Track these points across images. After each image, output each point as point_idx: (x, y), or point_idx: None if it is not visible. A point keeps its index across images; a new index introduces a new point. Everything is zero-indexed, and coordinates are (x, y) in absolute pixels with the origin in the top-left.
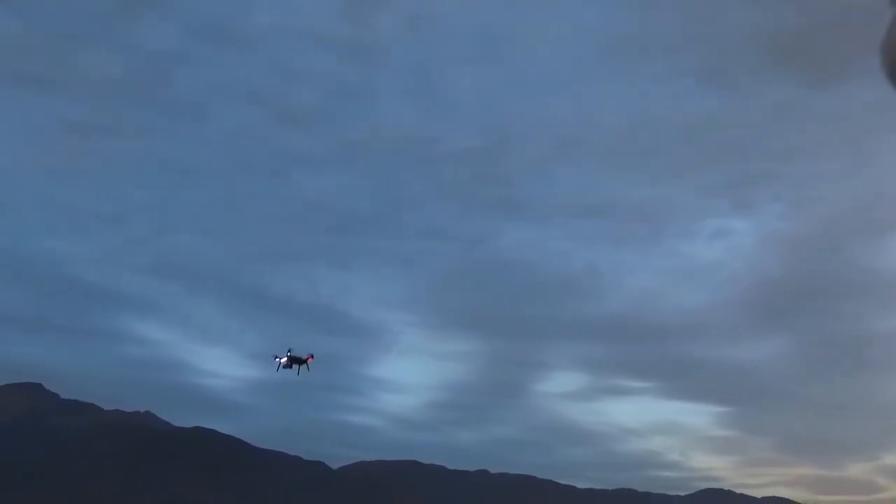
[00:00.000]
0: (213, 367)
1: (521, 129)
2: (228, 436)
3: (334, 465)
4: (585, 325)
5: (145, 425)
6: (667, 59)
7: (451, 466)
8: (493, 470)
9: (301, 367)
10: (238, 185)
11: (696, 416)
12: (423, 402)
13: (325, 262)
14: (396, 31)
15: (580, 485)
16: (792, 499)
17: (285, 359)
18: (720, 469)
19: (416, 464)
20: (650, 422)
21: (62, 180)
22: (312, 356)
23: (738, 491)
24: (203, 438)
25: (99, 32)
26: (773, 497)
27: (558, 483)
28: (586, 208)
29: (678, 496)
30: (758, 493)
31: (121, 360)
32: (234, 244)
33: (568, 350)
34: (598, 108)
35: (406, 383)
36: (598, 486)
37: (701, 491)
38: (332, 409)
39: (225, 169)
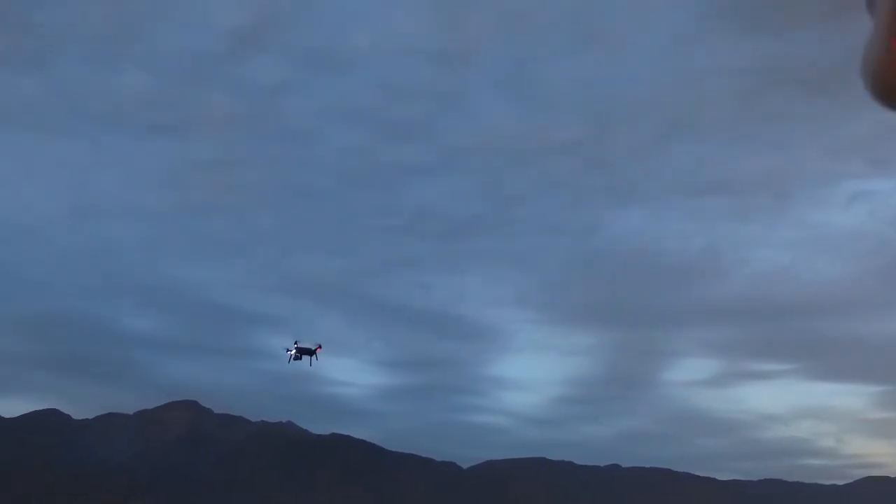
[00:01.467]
0: (344, 377)
1: (625, 114)
2: (362, 441)
3: (464, 465)
4: (711, 308)
5: (288, 433)
6: (779, 12)
7: (580, 462)
8: (625, 464)
9: (311, 357)
10: (351, 201)
11: (850, 397)
12: (548, 399)
13: (438, 267)
14: (488, 32)
15: (721, 476)
16: None
17: (294, 350)
18: (882, 455)
19: (544, 461)
20: (795, 406)
21: (197, 214)
22: (321, 346)
23: None
24: (339, 444)
25: (216, 75)
26: None
27: (697, 476)
28: (702, 186)
29: (835, 486)
30: None
31: (261, 374)
32: (353, 258)
33: (695, 335)
34: (706, 80)
35: (529, 381)
36: (741, 478)
37: (861, 480)
38: (459, 411)
39: (338, 187)
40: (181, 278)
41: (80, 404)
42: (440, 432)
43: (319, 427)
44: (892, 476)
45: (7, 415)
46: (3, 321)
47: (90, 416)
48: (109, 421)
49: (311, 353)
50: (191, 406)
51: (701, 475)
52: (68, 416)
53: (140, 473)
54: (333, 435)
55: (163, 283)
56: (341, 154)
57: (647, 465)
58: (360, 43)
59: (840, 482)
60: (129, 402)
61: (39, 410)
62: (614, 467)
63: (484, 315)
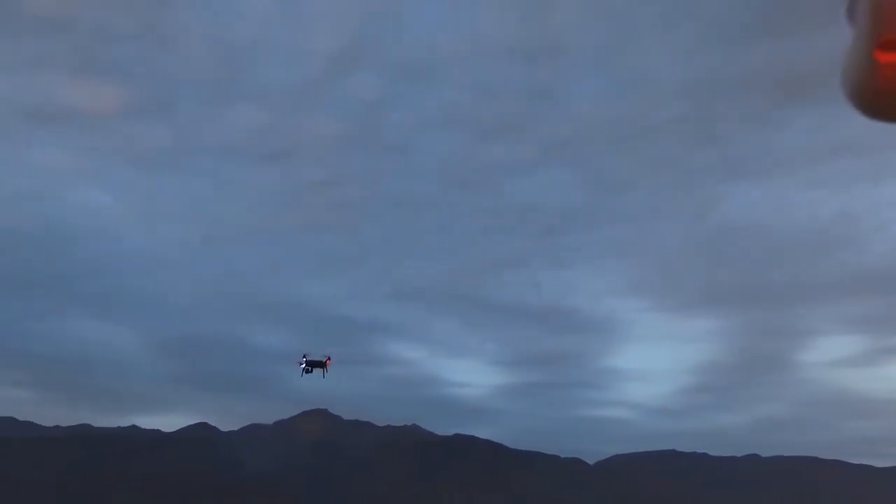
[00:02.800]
0: (464, 378)
1: (729, 84)
2: (486, 440)
3: (591, 461)
4: (849, 278)
5: (413, 436)
6: None
7: (714, 453)
8: (765, 454)
9: (321, 370)
10: (455, 204)
11: None
12: (674, 389)
13: (547, 263)
14: (574, 20)
15: (879, 463)
16: None
17: (304, 363)
18: None
19: (674, 453)
20: None
21: (312, 232)
22: (329, 358)
23: None
24: (464, 444)
25: (318, 98)
26: None
27: (849, 463)
28: (826, 150)
29: None
30: None
31: (384, 380)
32: (461, 261)
33: (832, 311)
34: (823, 36)
35: (651, 371)
36: None
37: None
38: (581, 406)
39: (440, 193)
40: (303, 294)
41: (226, 417)
42: (563, 428)
43: (443, 428)
44: None
45: (166, 429)
46: (155, 345)
47: (235, 427)
48: (252, 431)
49: (321, 365)
50: (322, 414)
51: (854, 462)
52: (216, 428)
53: (282, 479)
54: (457, 435)
55: (287, 300)
56: (441, 160)
57: (790, 454)
58: (449, 48)
59: None
60: (268, 412)
61: (192, 424)
62: (753, 457)
63: (598, 307)
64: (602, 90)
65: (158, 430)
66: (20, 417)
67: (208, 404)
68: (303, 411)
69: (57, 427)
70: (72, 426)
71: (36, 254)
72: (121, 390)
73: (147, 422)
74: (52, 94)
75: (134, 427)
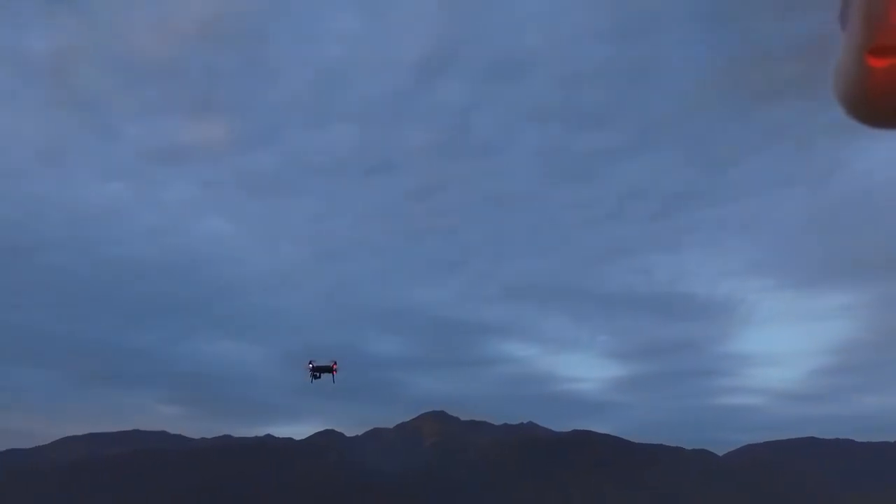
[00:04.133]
0: (577, 373)
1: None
2: (606, 434)
3: (720, 452)
4: None
5: (530, 434)
6: None
7: (860, 439)
8: None
9: (328, 375)
10: (554, 198)
11: None
12: (808, 371)
13: (655, 248)
14: None
15: None
16: None
17: (311, 369)
18: None
19: (814, 440)
20: None
21: (416, 240)
22: (336, 363)
23: None
24: (582, 440)
25: (410, 108)
26: None
27: None
28: None
29: None
30: None
31: (498, 380)
32: (566, 254)
33: None
34: None
35: (780, 354)
36: None
37: None
38: (706, 395)
39: (539, 188)
40: (414, 301)
41: (351, 422)
42: (687, 419)
43: (560, 425)
44: None
45: (297, 437)
46: (281, 358)
47: (360, 432)
48: (375, 435)
49: (328, 370)
50: (440, 416)
51: None
52: (342, 434)
53: (406, 480)
54: (575, 432)
55: (398, 307)
56: (537, 155)
57: None
58: (534, 42)
59: None
60: (389, 416)
61: (320, 431)
62: None
63: (715, 289)
64: (702, 58)
65: (290, 439)
66: (171, 431)
67: (333, 411)
68: (422, 413)
69: (203, 439)
70: (215, 437)
71: (171, 282)
72: (255, 402)
73: (280, 430)
74: (172, 134)
75: (269, 436)
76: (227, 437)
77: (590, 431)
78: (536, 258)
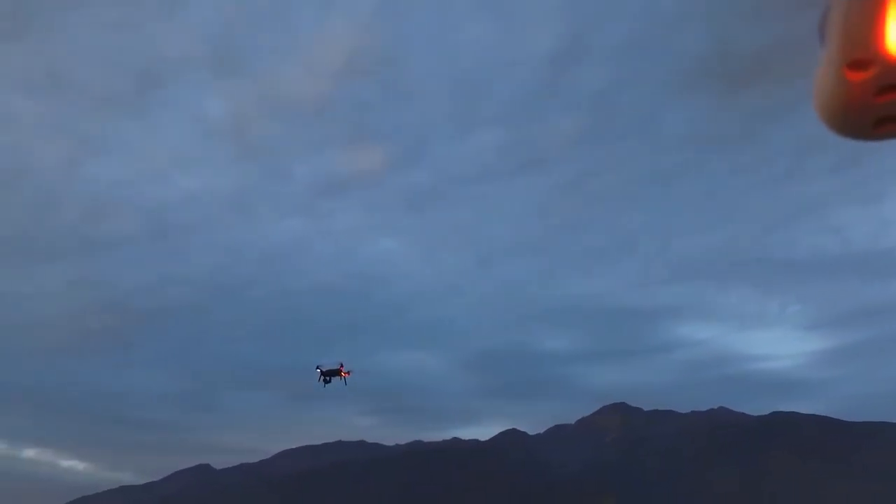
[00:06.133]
0: (768, 350)
1: None
2: (812, 415)
3: None
4: None
5: (722, 419)
6: None
7: None
8: None
9: (338, 378)
10: (716, 168)
11: None
12: None
13: (844, 202)
14: None
15: None
16: None
17: (320, 374)
18: None
19: None
20: None
21: (575, 231)
22: (343, 365)
23: None
24: (784, 422)
25: (550, 99)
26: None
27: None
28: None
29: None
30: None
31: (680, 365)
32: (736, 224)
33: None
34: None
35: None
36: None
37: None
38: None
39: (696, 158)
40: (580, 293)
41: (532, 421)
42: None
43: (755, 408)
44: None
45: (482, 438)
46: (459, 363)
47: (541, 430)
48: (557, 432)
49: (337, 374)
50: (620, 407)
51: None
52: (525, 432)
53: (592, 475)
54: (774, 414)
55: (566, 302)
56: (687, 125)
57: None
58: (671, 8)
59: None
60: (569, 412)
61: (504, 431)
62: None
63: None
64: None
65: (476, 440)
66: (369, 440)
67: (515, 411)
68: (602, 407)
69: (397, 445)
70: (408, 443)
71: (352, 303)
72: (440, 407)
73: (466, 433)
74: (335, 166)
75: (456, 439)
76: (418, 443)
77: (792, 413)
78: (706, 232)
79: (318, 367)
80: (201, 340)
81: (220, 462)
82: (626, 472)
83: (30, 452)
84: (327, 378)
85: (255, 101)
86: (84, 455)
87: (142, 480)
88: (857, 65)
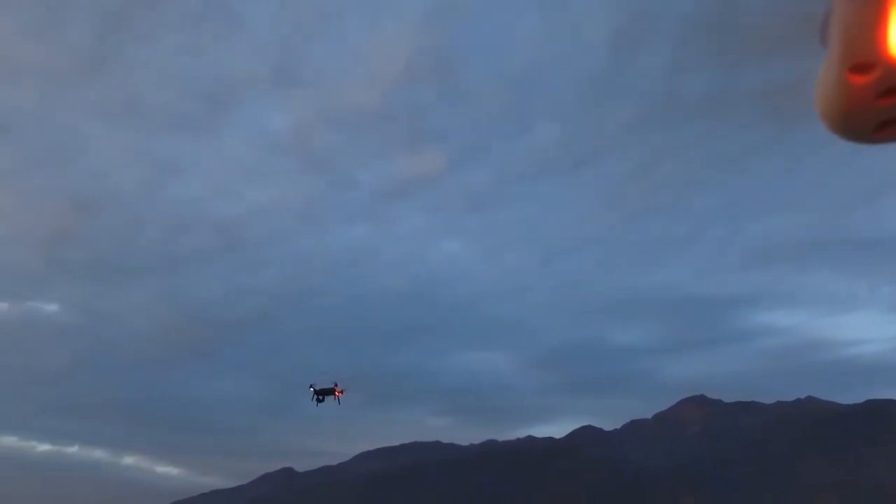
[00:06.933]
0: (858, 335)
1: None
2: None
3: None
4: None
5: (812, 409)
6: None
7: None
8: None
9: (331, 397)
10: (786, 144)
11: None
12: None
13: None
14: None
15: None
16: None
17: (313, 393)
18: None
19: None
20: None
21: (638, 222)
22: (337, 384)
23: None
24: (882, 411)
25: (608, 86)
26: None
27: None
28: None
29: None
30: None
31: (761, 354)
32: (815, 201)
33: None
34: None
35: None
36: None
37: None
38: None
39: (764, 138)
40: (650, 285)
41: (607, 416)
42: None
43: (848, 396)
44: None
45: (557, 436)
46: (529, 362)
47: (618, 425)
48: (634, 427)
49: (330, 392)
50: (699, 400)
51: None
52: (600, 429)
53: (674, 470)
54: (870, 402)
55: (635, 294)
56: (758, 100)
57: None
58: None
59: None
60: (645, 406)
61: (578, 428)
62: None
63: None
64: None
65: (551, 438)
66: (443, 440)
67: (589, 407)
68: (680, 400)
69: (471, 445)
70: (482, 443)
71: (419, 306)
72: (512, 406)
73: (540, 431)
74: (397, 171)
75: (530, 438)
76: (492, 442)
77: (889, 400)
78: (782, 213)
79: (311, 386)
80: (277, 348)
81: (301, 465)
82: (709, 466)
83: (129, 459)
84: (321, 397)
85: (316, 112)
86: (177, 461)
87: (231, 484)
88: (859, 68)
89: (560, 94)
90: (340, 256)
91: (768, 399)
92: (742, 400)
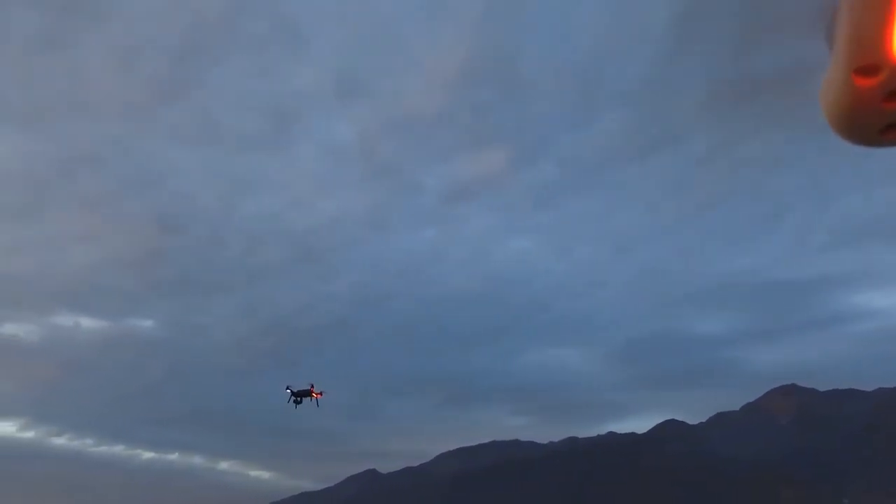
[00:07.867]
0: None
1: None
2: None
3: None
4: None
5: None
6: None
7: None
8: None
9: (309, 399)
10: None
11: None
12: None
13: None
14: None
15: None
16: None
17: (290, 395)
18: None
19: None
20: None
21: (714, 207)
22: (313, 386)
23: None
24: None
25: (672, 70)
26: None
27: None
28: None
29: None
30: None
31: (857, 338)
32: None
33: None
34: None
35: None
36: None
37: None
38: None
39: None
40: (729, 272)
41: (691, 409)
42: None
43: None
44: None
45: (640, 431)
46: (607, 356)
47: (703, 418)
48: (720, 420)
49: (308, 395)
50: (790, 389)
51: None
52: (684, 422)
53: (766, 464)
54: None
55: (715, 281)
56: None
57: None
58: None
59: None
60: (731, 399)
61: (661, 422)
62: None
63: None
64: None
65: (634, 433)
66: (523, 439)
67: (671, 400)
68: (769, 390)
69: (551, 443)
70: (562, 440)
71: (491, 306)
72: (592, 402)
73: (622, 426)
74: (462, 172)
75: (611, 433)
76: (573, 439)
77: None
78: (870, 188)
79: (287, 388)
80: (353, 353)
81: (385, 466)
82: (808, 458)
83: (224, 464)
84: (298, 399)
85: (379, 120)
86: (268, 465)
87: (319, 486)
88: (865, 70)
89: (624, 80)
90: (410, 260)
91: (868, 386)
92: (838, 388)
